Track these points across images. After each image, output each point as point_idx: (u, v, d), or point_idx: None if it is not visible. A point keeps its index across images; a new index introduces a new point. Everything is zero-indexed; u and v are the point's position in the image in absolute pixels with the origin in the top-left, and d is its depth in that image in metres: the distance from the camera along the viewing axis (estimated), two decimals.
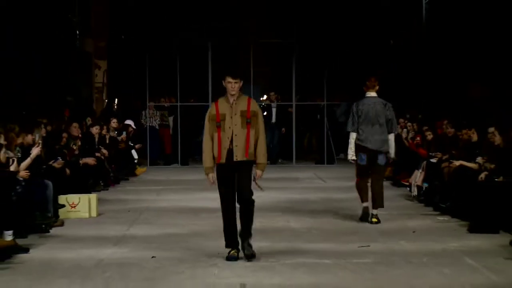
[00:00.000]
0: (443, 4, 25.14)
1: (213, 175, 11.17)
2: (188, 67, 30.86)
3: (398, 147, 22.64)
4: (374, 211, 15.58)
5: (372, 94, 16.12)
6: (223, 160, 11.06)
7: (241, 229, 11.22)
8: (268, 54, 32.54)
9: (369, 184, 16.01)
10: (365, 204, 15.88)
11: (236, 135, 10.97)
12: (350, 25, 31.62)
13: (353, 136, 15.78)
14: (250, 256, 11.02)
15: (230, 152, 11.03)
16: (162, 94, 31.27)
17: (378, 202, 15.72)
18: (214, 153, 11.06)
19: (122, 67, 33.39)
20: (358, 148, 15.74)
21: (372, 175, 16.01)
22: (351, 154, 15.82)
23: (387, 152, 16.03)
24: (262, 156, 11.22)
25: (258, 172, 11.29)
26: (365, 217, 15.72)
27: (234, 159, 10.98)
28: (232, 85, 11.01)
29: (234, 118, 11.03)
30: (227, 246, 11.18)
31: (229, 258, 11.08)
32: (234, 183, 11.14)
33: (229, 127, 10.97)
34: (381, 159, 15.92)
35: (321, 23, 31.93)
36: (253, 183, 11.79)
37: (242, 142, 11.02)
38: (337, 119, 24.66)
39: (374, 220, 15.39)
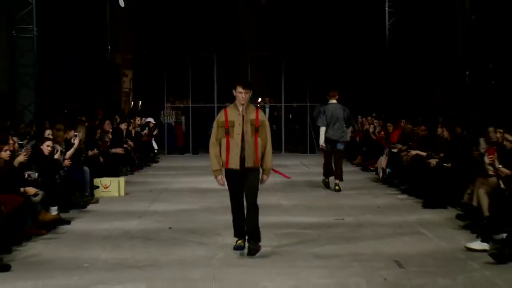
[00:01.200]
0: (403, 28, 25.13)
1: (222, 177, 9.91)
2: (198, 75, 30.82)
3: (366, 139, 22.82)
4: (337, 181, 17.45)
5: (333, 101, 17.90)
6: (233, 166, 9.74)
7: (248, 233, 9.91)
8: (262, 64, 32.40)
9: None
10: (326, 178, 18.02)
11: (247, 142, 9.69)
12: (328, 44, 31.53)
13: (323, 129, 17.64)
14: (254, 251, 9.70)
15: (241, 159, 9.71)
16: (177, 97, 31.27)
17: (339, 176, 17.61)
18: (222, 157, 9.78)
19: (144, 75, 33.34)
20: (327, 140, 17.63)
21: (334, 156, 17.85)
22: (322, 141, 17.68)
23: (344, 141, 18.17)
24: (268, 162, 9.91)
25: (265, 177, 10.00)
26: (326, 185, 17.89)
27: (246, 166, 9.70)
28: (243, 95, 9.66)
29: (245, 126, 9.72)
30: (235, 235, 10.12)
31: (236, 247, 10.02)
32: (242, 186, 9.86)
33: (238, 134, 9.65)
34: (339, 146, 17.89)
35: (304, 42, 31.85)
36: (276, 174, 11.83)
37: (252, 150, 9.73)
38: (314, 117, 24.82)
39: (337, 188, 17.31)
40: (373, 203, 15.08)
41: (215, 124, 9.86)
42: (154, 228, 12.33)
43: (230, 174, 9.80)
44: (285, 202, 14.97)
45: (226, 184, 9.94)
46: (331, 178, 17.77)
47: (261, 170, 9.95)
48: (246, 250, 9.87)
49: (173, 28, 31.27)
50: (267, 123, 10.03)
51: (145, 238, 11.39)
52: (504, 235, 9.59)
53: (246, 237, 9.98)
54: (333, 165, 17.82)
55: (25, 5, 18.60)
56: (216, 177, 9.93)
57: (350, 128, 19.24)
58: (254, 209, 9.85)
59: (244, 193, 9.89)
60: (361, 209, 14.13)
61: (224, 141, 9.70)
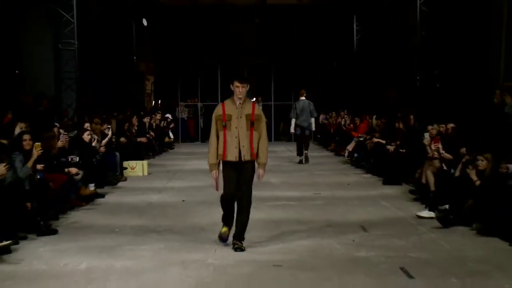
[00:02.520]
0: (368, 39, 25.07)
1: (216, 172, 8.30)
2: (205, 79, 30.88)
3: (339, 130, 22.85)
4: (305, 151, 19.18)
5: (303, 98, 19.56)
6: (230, 158, 8.18)
7: (235, 232, 8.26)
8: (256, 70, 32.33)
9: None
10: (299, 157, 19.27)
11: (242, 136, 8.16)
12: (309, 54, 31.50)
13: (293, 120, 19.35)
14: (239, 250, 8.05)
15: (238, 151, 8.16)
16: (188, 96, 31.29)
17: (307, 148, 19.33)
18: (220, 150, 8.21)
19: (163, 80, 33.28)
20: (297, 126, 19.27)
21: (303, 140, 19.35)
22: (292, 129, 19.43)
23: (310, 129, 19.77)
24: (264, 156, 8.29)
25: (261, 171, 8.43)
26: (300, 161, 19.10)
27: (242, 159, 8.14)
28: (240, 89, 8.19)
29: (240, 121, 8.21)
30: (222, 220, 8.44)
31: (222, 237, 8.38)
32: (237, 180, 8.24)
33: (235, 127, 8.16)
34: (307, 132, 19.63)
35: (289, 53, 31.81)
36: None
37: (247, 143, 8.19)
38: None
39: (306, 154, 19.15)
40: (343, 180, 15.07)
41: (213, 118, 8.35)
42: (171, 201, 12.35)
43: (227, 165, 8.23)
44: (274, 180, 14.92)
45: (219, 177, 8.29)
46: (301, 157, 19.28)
47: (257, 165, 8.38)
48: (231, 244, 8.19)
49: (185, 42, 31.22)
50: (263, 117, 8.47)
51: (164, 208, 11.40)
52: (447, 206, 9.63)
53: (233, 233, 8.31)
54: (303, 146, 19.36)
55: (68, 24, 18.56)
56: (211, 171, 8.36)
57: (313, 119, 19.83)
58: (247, 204, 8.30)
59: (239, 185, 8.24)
60: (334, 186, 14.14)
61: (221, 134, 8.19)
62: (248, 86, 8.25)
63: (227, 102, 8.32)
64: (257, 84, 31.08)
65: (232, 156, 8.12)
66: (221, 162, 8.30)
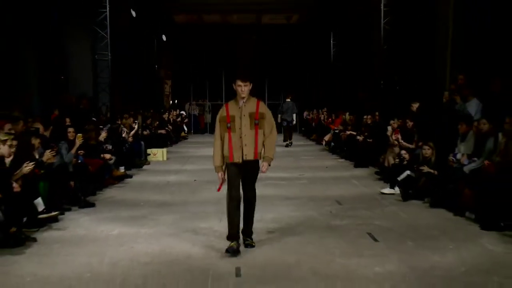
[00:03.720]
0: (343, 52, 25.07)
1: (222, 173, 6.70)
2: (212, 83, 30.91)
3: (319, 124, 22.87)
4: (288, 140, 20.55)
5: (288, 100, 21.29)
6: (235, 159, 6.57)
7: (243, 227, 6.73)
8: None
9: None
10: (285, 142, 20.31)
11: (245, 135, 6.56)
12: (294, 64, 31.49)
13: (279, 116, 20.43)
14: (250, 246, 6.66)
15: (241, 151, 6.58)
16: (199, 97, 31.32)
17: (290, 138, 20.68)
18: (225, 152, 6.60)
19: (178, 83, 33.23)
20: (283, 120, 20.66)
21: (288, 130, 20.89)
22: (279, 120, 20.11)
23: (292, 122, 21.33)
24: (269, 151, 6.71)
25: (265, 164, 6.74)
26: (287, 146, 19.99)
27: (244, 158, 6.55)
28: (242, 88, 6.59)
29: (243, 119, 6.58)
30: (228, 238, 6.52)
31: (228, 250, 6.35)
32: (241, 177, 6.67)
33: (239, 128, 6.55)
34: (291, 124, 21.18)
35: (279, 63, 31.77)
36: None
37: (251, 142, 6.58)
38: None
39: (290, 142, 20.54)
40: (323, 164, 15.08)
41: (217, 120, 6.69)
42: (185, 180, 12.35)
43: (232, 167, 6.60)
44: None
45: (226, 179, 6.68)
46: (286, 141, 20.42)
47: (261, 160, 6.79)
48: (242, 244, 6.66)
49: (196, 53, 31.25)
50: (269, 114, 6.76)
51: (179, 186, 11.40)
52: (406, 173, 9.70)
53: (241, 236, 6.71)
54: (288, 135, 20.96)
55: (102, 39, 18.58)
56: (218, 173, 6.73)
57: (295, 115, 21.60)
58: (251, 203, 6.76)
59: (242, 185, 6.68)
60: (315, 168, 14.15)
61: (226, 135, 6.55)
62: (251, 84, 6.62)
63: (231, 103, 6.71)
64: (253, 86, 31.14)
65: (237, 157, 6.53)
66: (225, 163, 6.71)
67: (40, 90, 15.44)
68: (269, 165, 6.78)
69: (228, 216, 6.59)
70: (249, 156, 6.53)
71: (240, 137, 6.50)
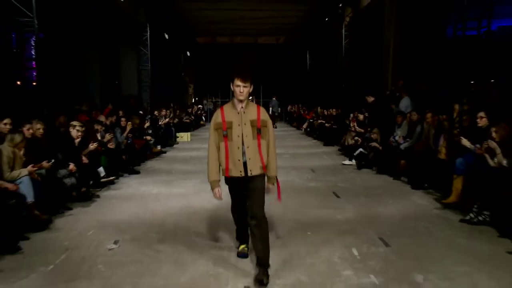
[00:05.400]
0: (315, 65, 24.89)
1: (219, 189, 4.00)
2: (222, 86, 30.68)
3: (299, 115, 22.74)
4: (274, 125, 19.29)
5: (274, 99, 22.65)
6: (234, 174, 3.96)
7: (257, 258, 3.90)
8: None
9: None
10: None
11: (248, 147, 3.94)
12: (280, 72, 31.25)
13: (270, 108, 21.19)
14: (261, 283, 3.75)
15: (244, 165, 3.95)
16: (213, 96, 31.13)
17: (274, 123, 19.34)
18: (222, 164, 4.02)
19: (199, 86, 32.98)
20: (272, 112, 21.08)
21: (273, 117, 19.73)
22: (270, 112, 20.18)
23: (277, 112, 21.98)
24: (272, 170, 4.10)
25: (270, 186, 4.09)
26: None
27: (249, 174, 3.93)
28: (241, 89, 3.94)
29: (244, 128, 3.94)
30: (237, 238, 4.55)
31: (241, 255, 4.38)
32: (246, 195, 4.00)
33: (238, 136, 3.94)
34: (276, 114, 21.71)
35: (270, 71, 31.55)
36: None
37: (255, 155, 3.96)
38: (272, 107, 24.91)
39: (276, 126, 20.04)
40: (301, 144, 14.99)
41: (211, 126, 4.07)
42: (203, 155, 12.13)
43: (232, 183, 4.06)
44: None
45: (222, 196, 4.06)
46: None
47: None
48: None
49: (211, 65, 31.01)
50: (270, 123, 4.12)
51: (200, 159, 11.28)
52: (357, 152, 9.67)
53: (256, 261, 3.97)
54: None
55: (145, 55, 18.51)
56: (213, 189, 4.01)
57: (279, 108, 23.22)
58: (262, 225, 3.88)
59: (247, 204, 3.96)
60: (295, 147, 14.03)
61: (222, 145, 3.99)
62: (251, 87, 4.03)
63: (227, 107, 4.08)
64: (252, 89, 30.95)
65: (237, 171, 3.96)
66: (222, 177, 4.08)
67: (101, 91, 15.37)
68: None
69: (237, 227, 4.48)
70: (255, 171, 3.96)
71: (239, 148, 3.95)
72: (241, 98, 3.97)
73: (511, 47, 9.28)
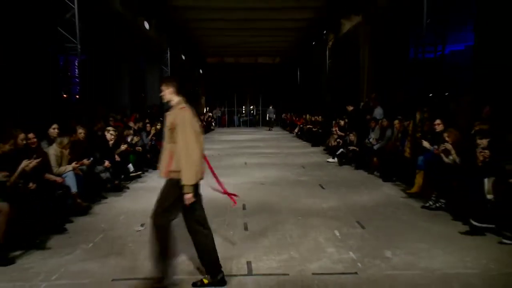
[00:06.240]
0: (305, 80, 24.86)
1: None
2: (228, 98, 30.66)
3: (291, 121, 22.67)
4: (271, 129, 20.44)
5: (271, 107, 22.44)
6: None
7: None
8: (253, 94, 31.93)
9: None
10: (269, 129, 20.25)
11: (164, 149, 3.08)
12: (276, 86, 31.16)
13: (267, 115, 21.20)
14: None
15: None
16: (221, 105, 31.06)
17: (271, 128, 20.41)
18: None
19: (209, 98, 32.94)
20: (269, 118, 21.00)
21: (270, 122, 21.40)
22: (268, 117, 21.06)
23: (273, 117, 21.76)
24: (183, 175, 2.95)
25: (185, 196, 3.01)
26: (269, 130, 20.03)
27: (160, 175, 3.09)
28: (161, 92, 3.14)
29: (166, 131, 3.06)
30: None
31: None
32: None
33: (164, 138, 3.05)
34: (272, 120, 21.99)
35: (268, 86, 31.48)
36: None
37: (164, 158, 3.04)
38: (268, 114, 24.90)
39: (271, 130, 20.28)
40: (293, 145, 14.94)
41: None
42: (213, 153, 12.09)
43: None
44: (261, 144, 14.87)
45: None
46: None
47: None
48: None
49: (219, 81, 31.00)
50: (181, 125, 2.99)
51: (211, 157, 11.15)
52: (339, 152, 9.67)
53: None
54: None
55: (165, 72, 18.57)
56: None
57: (274, 115, 22.03)
58: (152, 229, 3.12)
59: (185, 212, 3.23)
60: (288, 147, 13.98)
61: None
62: (171, 88, 3.22)
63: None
64: (253, 97, 31.05)
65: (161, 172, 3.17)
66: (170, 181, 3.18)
67: (131, 102, 15.37)
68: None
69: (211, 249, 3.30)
70: (161, 173, 3.19)
71: (164, 150, 3.18)
72: (165, 101, 3.16)
73: (460, 67, 9.38)
